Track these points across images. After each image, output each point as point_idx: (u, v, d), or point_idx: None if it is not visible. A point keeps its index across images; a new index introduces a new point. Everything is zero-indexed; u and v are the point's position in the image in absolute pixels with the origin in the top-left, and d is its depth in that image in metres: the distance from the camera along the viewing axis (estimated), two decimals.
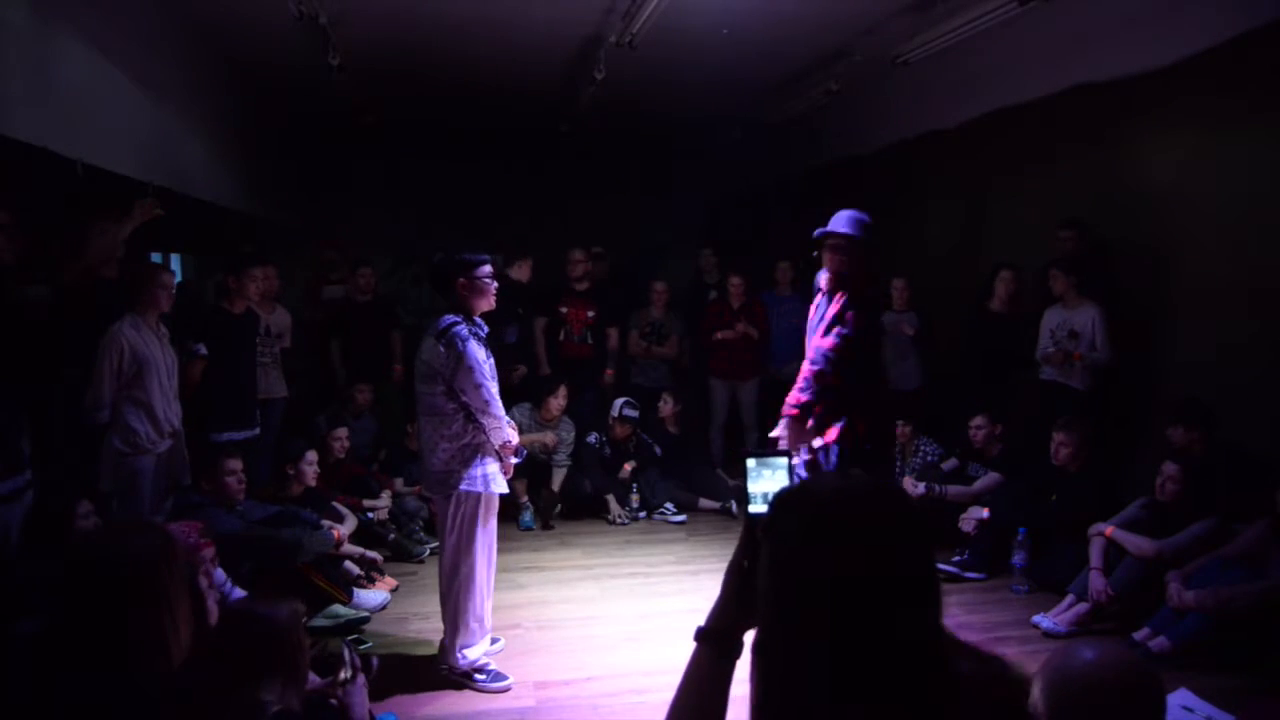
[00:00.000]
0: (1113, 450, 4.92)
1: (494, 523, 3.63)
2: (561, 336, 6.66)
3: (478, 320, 3.52)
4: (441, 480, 3.47)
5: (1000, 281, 5.60)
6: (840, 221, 4.01)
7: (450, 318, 3.42)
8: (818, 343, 4.05)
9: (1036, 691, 1.45)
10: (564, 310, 6.66)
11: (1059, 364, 5.00)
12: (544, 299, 6.75)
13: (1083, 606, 4.07)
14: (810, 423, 4.06)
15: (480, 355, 3.42)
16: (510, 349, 6.24)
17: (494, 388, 3.46)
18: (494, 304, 3.59)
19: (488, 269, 3.52)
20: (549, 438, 6.06)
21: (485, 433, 3.45)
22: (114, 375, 4.00)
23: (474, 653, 3.55)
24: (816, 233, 4.10)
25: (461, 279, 3.46)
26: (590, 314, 6.68)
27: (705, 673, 1.16)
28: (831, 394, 4.00)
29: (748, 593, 1.10)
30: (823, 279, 4.16)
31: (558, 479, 6.11)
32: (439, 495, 3.56)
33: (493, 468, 3.52)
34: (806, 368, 4.09)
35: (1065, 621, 4.06)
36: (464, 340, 3.36)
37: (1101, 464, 4.75)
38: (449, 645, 3.55)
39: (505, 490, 3.59)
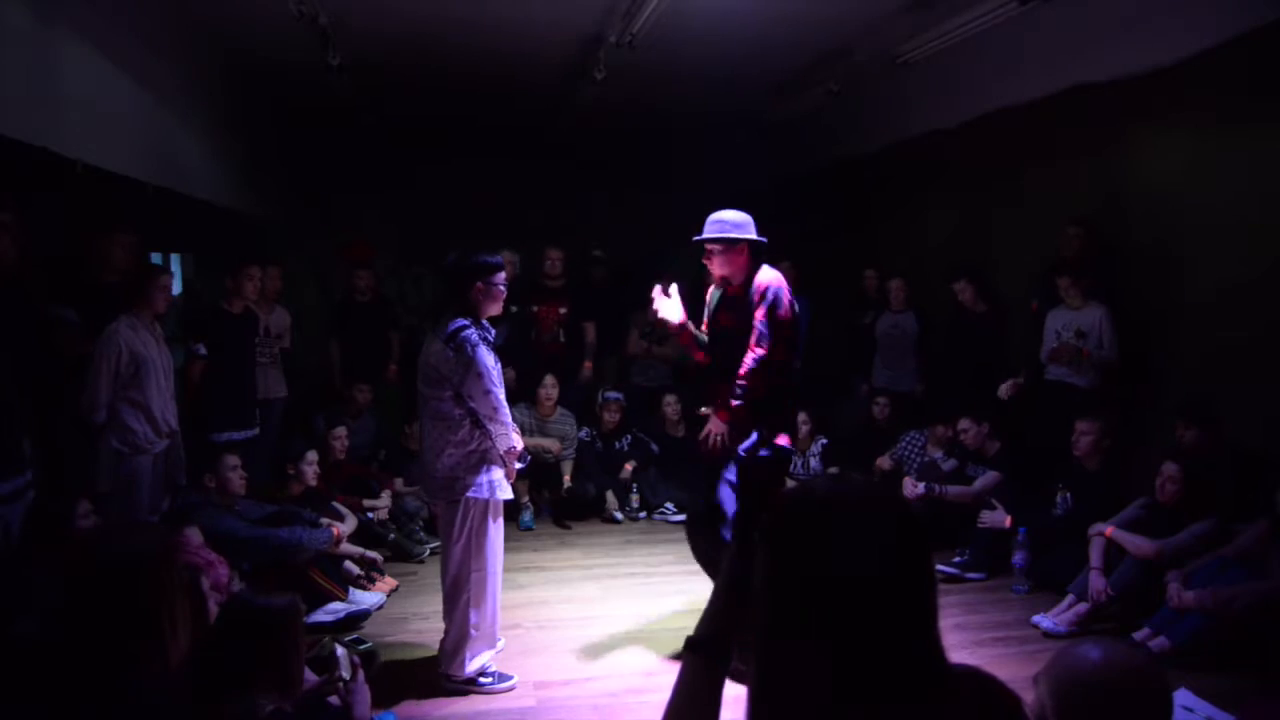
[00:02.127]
0: (1113, 450, 4.91)
1: (501, 527, 3.58)
2: (533, 335, 6.66)
3: (485, 324, 3.47)
4: (445, 486, 3.43)
5: (959, 292, 5.90)
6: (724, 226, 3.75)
7: (459, 321, 3.36)
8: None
9: (1043, 692, 1.45)
10: (535, 309, 6.65)
11: (1068, 360, 5.00)
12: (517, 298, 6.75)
13: (1083, 606, 4.07)
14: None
15: (490, 361, 3.37)
16: (498, 351, 6.25)
17: (502, 394, 3.42)
18: (502, 309, 3.56)
19: (503, 274, 3.50)
20: (554, 445, 6.09)
21: (492, 439, 3.41)
22: (111, 376, 3.99)
23: (479, 660, 3.51)
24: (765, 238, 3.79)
25: (479, 284, 3.41)
26: (562, 310, 6.69)
27: (697, 681, 1.15)
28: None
29: (741, 600, 1.10)
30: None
31: (567, 470, 6.15)
32: (442, 501, 3.51)
33: (498, 474, 3.46)
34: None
35: (1065, 621, 4.06)
36: (474, 345, 3.31)
37: (1118, 463, 4.74)
38: (451, 653, 3.47)
39: (510, 496, 3.55)
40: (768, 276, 3.70)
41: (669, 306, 3.82)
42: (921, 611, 1.02)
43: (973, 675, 1.10)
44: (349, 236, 8.24)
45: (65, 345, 3.98)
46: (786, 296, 3.69)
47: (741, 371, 3.61)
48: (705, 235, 3.71)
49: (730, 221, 3.69)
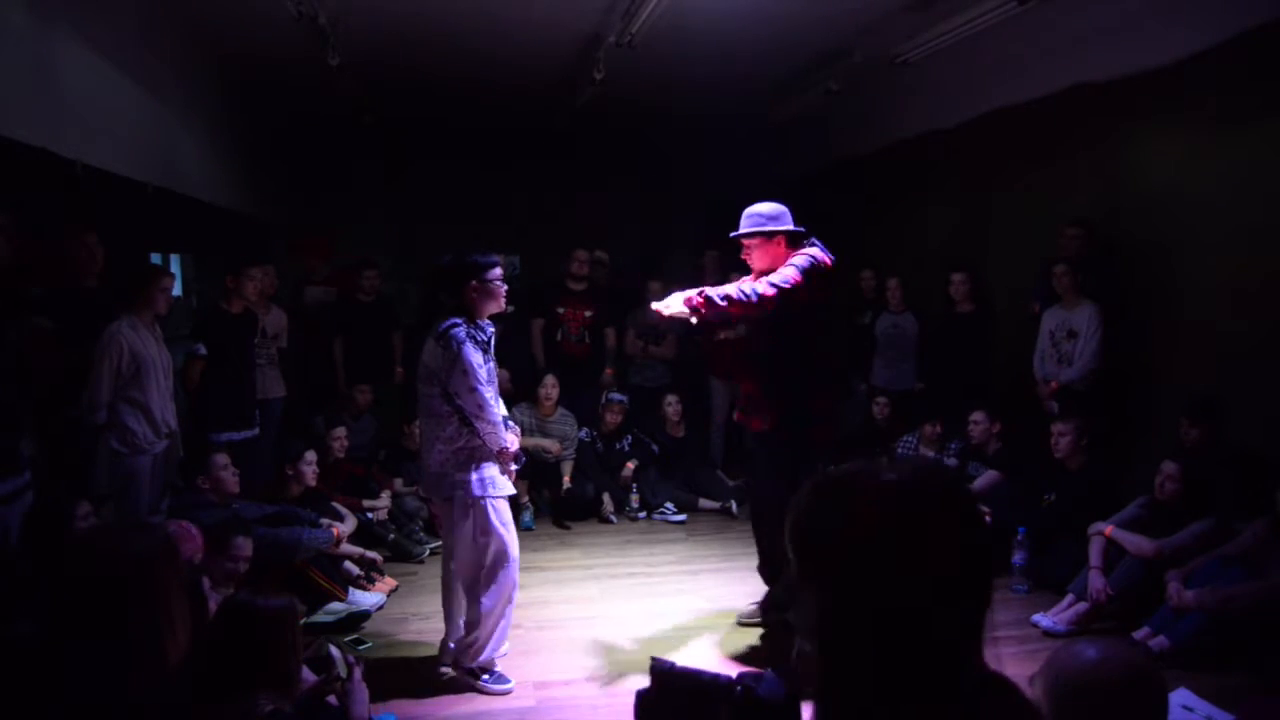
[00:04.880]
0: (1113, 450, 4.92)
1: (512, 528, 3.54)
2: (559, 336, 6.67)
3: (480, 323, 3.47)
4: (436, 482, 3.46)
5: (954, 285, 5.92)
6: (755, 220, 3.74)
7: (452, 320, 3.38)
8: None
9: (1039, 691, 1.45)
10: (561, 310, 6.66)
11: (1045, 397, 5.11)
12: (542, 299, 6.77)
13: (1082, 606, 4.07)
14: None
15: (477, 359, 3.37)
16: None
17: (491, 392, 3.41)
18: (503, 306, 3.54)
19: (498, 271, 3.49)
20: (554, 446, 6.09)
21: (481, 437, 3.40)
22: (112, 376, 3.99)
23: (490, 650, 3.51)
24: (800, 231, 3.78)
25: (473, 282, 3.42)
26: (588, 313, 6.69)
27: None
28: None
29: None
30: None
31: (567, 471, 6.14)
32: (436, 498, 3.53)
33: (491, 471, 3.45)
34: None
35: (1065, 621, 4.06)
36: (460, 342, 3.32)
37: (1101, 462, 4.75)
38: (466, 643, 3.48)
39: (512, 492, 3.54)
40: (810, 250, 3.64)
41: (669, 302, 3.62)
42: (972, 613, 0.97)
43: (995, 676, 1.08)
44: (306, 233, 8.19)
45: (37, 351, 3.78)
46: (818, 263, 3.55)
47: (733, 291, 3.39)
48: (742, 230, 3.68)
49: (765, 214, 3.68)
